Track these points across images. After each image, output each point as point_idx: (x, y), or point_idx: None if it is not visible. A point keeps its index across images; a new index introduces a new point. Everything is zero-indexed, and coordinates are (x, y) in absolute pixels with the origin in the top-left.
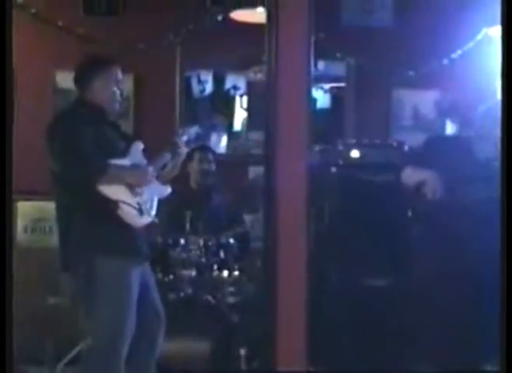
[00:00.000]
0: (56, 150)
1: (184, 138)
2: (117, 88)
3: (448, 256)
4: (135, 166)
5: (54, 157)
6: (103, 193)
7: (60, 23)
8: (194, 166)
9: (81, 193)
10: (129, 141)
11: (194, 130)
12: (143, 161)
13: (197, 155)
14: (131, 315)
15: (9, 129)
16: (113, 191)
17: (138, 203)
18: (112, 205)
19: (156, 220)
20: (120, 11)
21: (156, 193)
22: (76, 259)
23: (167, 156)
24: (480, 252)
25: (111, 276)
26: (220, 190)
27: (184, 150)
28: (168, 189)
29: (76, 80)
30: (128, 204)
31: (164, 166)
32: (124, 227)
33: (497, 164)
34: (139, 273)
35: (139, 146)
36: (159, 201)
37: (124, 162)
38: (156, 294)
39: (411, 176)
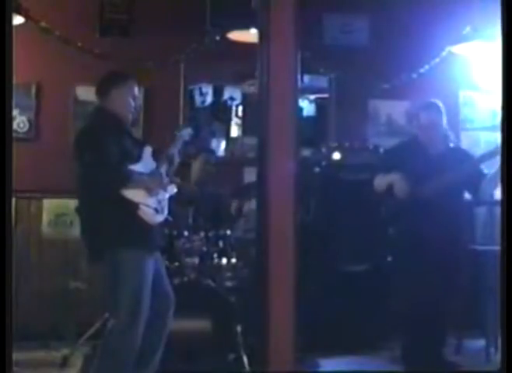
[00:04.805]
0: (86, 160)
1: (183, 132)
2: (132, 100)
3: (417, 243)
4: (151, 172)
5: (84, 165)
6: (126, 196)
7: (79, 44)
8: (197, 167)
9: (107, 197)
10: (140, 145)
11: (189, 129)
12: (153, 163)
13: (201, 158)
14: (147, 295)
15: (9, 129)
16: (134, 194)
17: (155, 203)
18: (133, 207)
19: (170, 217)
20: (130, 33)
21: (167, 192)
22: (103, 251)
23: (171, 151)
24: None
25: (132, 264)
26: (219, 188)
27: (182, 138)
28: (174, 189)
29: (97, 90)
30: (147, 206)
31: (170, 162)
32: (143, 224)
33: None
34: (153, 261)
35: (149, 150)
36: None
37: (139, 166)
38: (166, 279)
39: (382, 180)
